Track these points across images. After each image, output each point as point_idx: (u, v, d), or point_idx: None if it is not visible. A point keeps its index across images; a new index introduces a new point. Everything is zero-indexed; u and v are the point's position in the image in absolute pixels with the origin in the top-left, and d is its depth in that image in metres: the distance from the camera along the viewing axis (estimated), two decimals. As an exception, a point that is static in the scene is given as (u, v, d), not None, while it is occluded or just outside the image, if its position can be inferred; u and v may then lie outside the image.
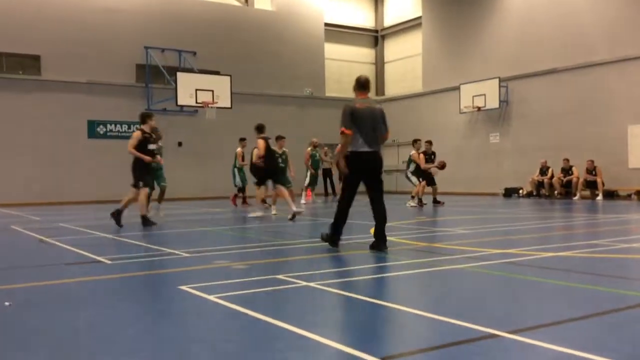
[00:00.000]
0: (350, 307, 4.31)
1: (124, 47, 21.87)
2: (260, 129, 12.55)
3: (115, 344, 3.41)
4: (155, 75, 22.20)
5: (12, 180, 19.75)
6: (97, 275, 5.65)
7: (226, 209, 16.11)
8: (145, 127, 10.77)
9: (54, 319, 4.01)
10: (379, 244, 6.98)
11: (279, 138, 14.14)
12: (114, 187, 21.23)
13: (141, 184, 10.67)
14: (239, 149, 16.55)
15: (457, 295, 4.73)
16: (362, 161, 6.94)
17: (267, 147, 12.23)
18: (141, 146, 10.55)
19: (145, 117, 10.89)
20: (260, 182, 12.62)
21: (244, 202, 17.01)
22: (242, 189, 16.83)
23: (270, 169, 12.30)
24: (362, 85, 7.30)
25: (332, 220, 7.30)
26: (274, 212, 13.14)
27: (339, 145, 7.13)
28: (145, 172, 10.78)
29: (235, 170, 16.64)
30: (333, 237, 7.17)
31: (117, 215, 10.53)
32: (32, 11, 20.36)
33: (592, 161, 18.47)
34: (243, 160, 16.23)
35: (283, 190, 12.06)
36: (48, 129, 20.49)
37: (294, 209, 11.34)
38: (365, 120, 6.97)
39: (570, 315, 3.88)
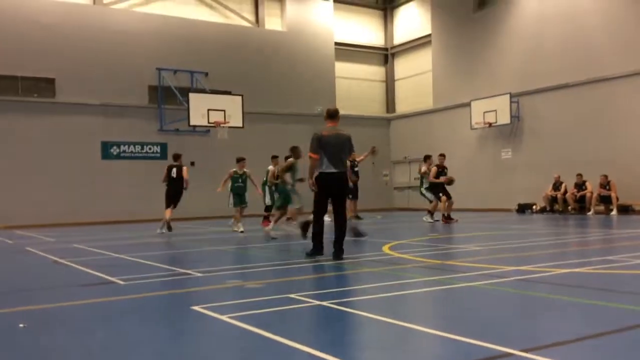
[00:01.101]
0: (363, 326, 4.30)
1: (136, 69, 22.15)
2: (175, 157, 14.83)
3: (129, 365, 3.42)
4: (167, 96, 22.43)
5: (26, 202, 19.94)
6: (111, 297, 5.68)
7: (251, 227, 16.12)
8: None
9: (69, 341, 4.03)
10: (337, 253, 7.93)
11: (238, 160, 14.76)
12: (128, 207, 21.45)
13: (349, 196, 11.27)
14: (271, 167, 16.11)
15: (471, 313, 4.69)
16: (328, 180, 8.01)
17: (168, 174, 14.38)
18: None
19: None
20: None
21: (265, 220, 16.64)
22: (270, 208, 16.47)
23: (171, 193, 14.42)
24: (331, 115, 8.33)
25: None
26: (240, 229, 14.07)
27: (309, 167, 8.27)
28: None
29: (267, 188, 16.32)
30: (316, 250, 8.15)
31: (305, 226, 10.73)
32: (47, 35, 20.71)
33: (606, 176, 18.32)
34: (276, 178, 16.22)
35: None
36: (62, 150, 20.72)
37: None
38: (331, 145, 8.00)
39: (585, 333, 3.84)
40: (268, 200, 16.41)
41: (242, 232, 13.93)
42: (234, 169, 14.73)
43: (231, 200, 14.72)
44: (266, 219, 16.47)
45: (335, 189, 8.09)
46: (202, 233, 14.77)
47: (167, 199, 14.62)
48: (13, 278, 7.54)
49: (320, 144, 7.96)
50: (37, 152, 20.35)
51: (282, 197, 12.67)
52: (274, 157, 16.49)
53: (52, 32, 20.81)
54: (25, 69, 20.47)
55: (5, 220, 19.30)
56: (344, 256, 7.98)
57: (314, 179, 8.16)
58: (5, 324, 4.55)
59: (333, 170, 7.98)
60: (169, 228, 14.25)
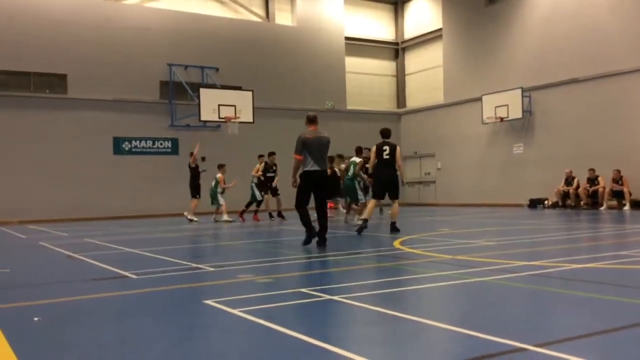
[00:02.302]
0: (374, 321, 4.30)
1: (147, 64, 22.23)
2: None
3: (142, 359, 3.45)
4: (178, 92, 22.50)
5: (39, 196, 20.10)
6: (124, 290, 5.72)
7: (249, 222, 16.21)
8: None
9: (82, 334, 4.07)
10: (321, 242, 8.84)
11: (223, 165, 17.11)
12: (139, 202, 21.58)
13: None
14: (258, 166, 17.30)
15: (484, 308, 4.68)
16: (312, 178, 8.96)
17: None
18: None
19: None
20: None
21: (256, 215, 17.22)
22: (259, 203, 17.15)
23: None
24: (311, 120, 9.31)
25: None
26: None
27: (293, 166, 9.24)
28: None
29: (254, 185, 17.00)
30: (309, 238, 9.04)
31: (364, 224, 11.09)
32: (59, 31, 20.82)
33: (619, 171, 18.18)
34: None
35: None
36: (75, 146, 20.86)
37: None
38: (314, 147, 8.97)
39: (598, 328, 3.82)
40: (259, 195, 16.92)
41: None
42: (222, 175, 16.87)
43: (221, 198, 16.79)
44: (256, 213, 17.29)
45: (318, 185, 9.03)
46: (214, 227, 14.84)
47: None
48: (27, 272, 7.61)
49: (305, 146, 8.93)
50: (49, 147, 20.49)
51: (350, 192, 14.04)
52: (272, 154, 17.38)
53: (64, 28, 20.92)
54: (37, 65, 20.61)
55: (19, 215, 19.49)
56: (356, 251, 8.02)
57: (297, 176, 9.13)
58: (21, 318, 4.60)
59: (317, 168, 8.95)
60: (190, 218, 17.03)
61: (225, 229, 14.40)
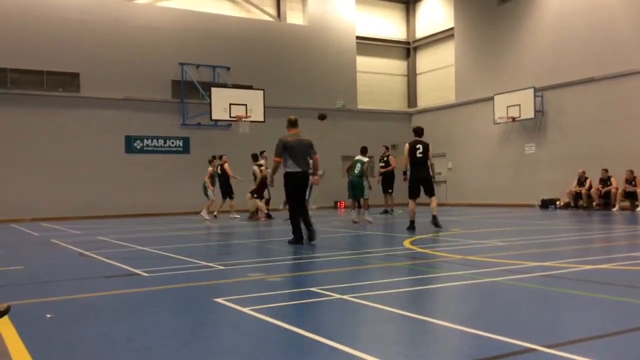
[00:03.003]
0: (384, 321, 4.29)
1: (159, 64, 22.33)
2: (219, 157, 17.80)
3: (153, 356, 3.47)
4: (190, 91, 22.58)
5: (52, 194, 20.25)
6: (134, 288, 5.76)
7: (259, 221, 16.23)
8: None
9: (93, 331, 4.10)
10: (310, 237, 9.21)
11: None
12: (151, 200, 21.68)
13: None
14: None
15: (494, 308, 4.66)
16: (293, 178, 9.27)
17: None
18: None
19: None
20: None
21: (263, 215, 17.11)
22: (267, 201, 17.31)
23: None
24: (292, 123, 9.65)
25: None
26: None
27: (272, 168, 9.73)
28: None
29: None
30: (297, 239, 9.35)
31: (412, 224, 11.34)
32: (72, 31, 20.96)
33: (632, 171, 18.03)
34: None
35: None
36: (87, 144, 21.00)
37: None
38: (295, 149, 9.30)
39: (609, 329, 3.80)
40: (266, 194, 17.06)
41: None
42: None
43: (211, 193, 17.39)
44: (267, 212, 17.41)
45: (298, 184, 9.33)
46: (224, 226, 14.88)
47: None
48: (39, 269, 7.67)
49: (286, 149, 9.26)
50: (62, 145, 20.64)
51: (359, 189, 14.38)
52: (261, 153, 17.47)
53: (77, 28, 21.06)
54: (50, 63, 20.76)
55: (31, 213, 19.66)
56: (366, 250, 8.00)
57: (278, 177, 9.47)
58: (33, 314, 4.64)
59: (298, 169, 9.26)
60: (214, 216, 17.60)
61: (218, 228, 14.42)
